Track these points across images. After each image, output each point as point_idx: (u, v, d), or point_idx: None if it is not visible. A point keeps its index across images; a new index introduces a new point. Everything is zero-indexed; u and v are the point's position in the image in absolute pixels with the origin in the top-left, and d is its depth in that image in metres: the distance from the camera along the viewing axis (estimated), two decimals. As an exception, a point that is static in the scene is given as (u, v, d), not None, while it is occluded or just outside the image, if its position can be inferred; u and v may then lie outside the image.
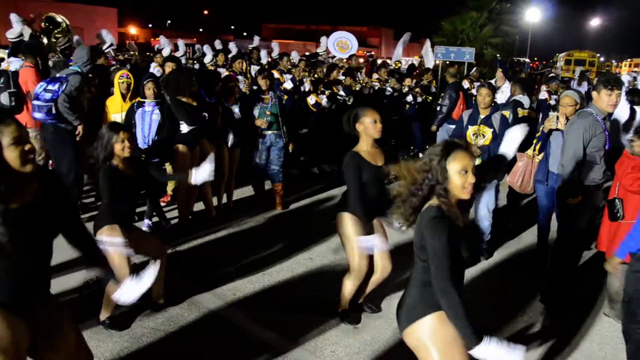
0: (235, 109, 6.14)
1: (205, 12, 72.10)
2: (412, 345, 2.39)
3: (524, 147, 5.46)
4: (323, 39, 13.20)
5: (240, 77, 8.45)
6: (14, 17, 8.09)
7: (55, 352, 2.36)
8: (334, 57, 12.75)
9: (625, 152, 4.09)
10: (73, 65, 5.96)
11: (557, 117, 4.77)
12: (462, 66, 13.88)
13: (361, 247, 3.64)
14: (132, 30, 46.52)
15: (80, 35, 12.79)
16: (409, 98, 9.41)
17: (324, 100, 7.93)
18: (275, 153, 6.40)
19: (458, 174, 2.28)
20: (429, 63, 14.49)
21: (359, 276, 3.80)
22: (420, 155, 2.39)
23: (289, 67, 9.88)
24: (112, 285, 3.49)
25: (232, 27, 66.64)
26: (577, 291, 4.45)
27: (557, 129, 4.76)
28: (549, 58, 48.18)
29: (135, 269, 3.22)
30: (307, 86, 8.00)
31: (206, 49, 11.68)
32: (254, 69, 9.85)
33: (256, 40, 13.14)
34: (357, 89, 8.85)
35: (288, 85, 8.08)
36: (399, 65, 13.42)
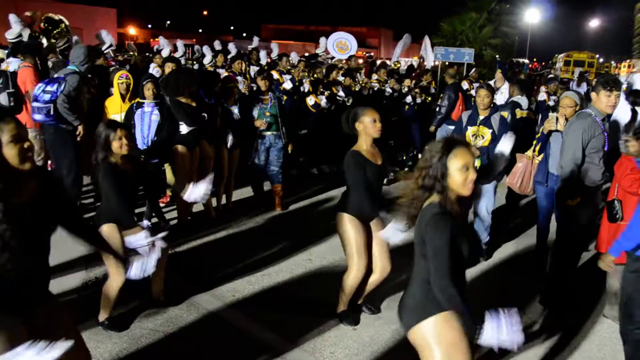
0: (235, 110, 6.14)
1: (205, 12, 72.24)
2: (416, 343, 2.39)
3: (523, 148, 5.47)
4: (322, 40, 13.22)
5: (239, 78, 8.46)
6: (12, 18, 8.09)
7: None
8: (333, 57, 12.76)
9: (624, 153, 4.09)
10: (71, 65, 5.94)
11: (557, 118, 4.76)
12: (462, 67, 13.88)
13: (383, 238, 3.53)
14: (132, 30, 46.52)
15: (80, 35, 12.79)
16: (408, 99, 9.41)
17: (323, 101, 7.93)
18: (274, 154, 6.39)
19: (459, 171, 2.28)
20: (429, 60, 14.47)
21: (357, 276, 3.80)
22: (420, 156, 2.40)
23: (288, 67, 9.89)
24: (108, 287, 3.53)
25: (232, 27, 66.66)
26: (576, 292, 4.45)
27: (556, 130, 4.76)
28: (548, 59, 48.25)
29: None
30: (306, 87, 8.00)
31: (205, 49, 11.70)
32: (253, 69, 9.86)
33: (255, 41, 13.16)
34: (356, 89, 8.85)
35: (287, 85, 8.09)
36: (398, 65, 13.44)
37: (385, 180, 3.92)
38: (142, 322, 3.87)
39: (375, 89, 9.51)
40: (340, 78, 8.79)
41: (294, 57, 12.46)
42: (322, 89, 8.14)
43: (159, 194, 6.02)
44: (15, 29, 8.04)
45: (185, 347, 3.64)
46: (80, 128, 5.72)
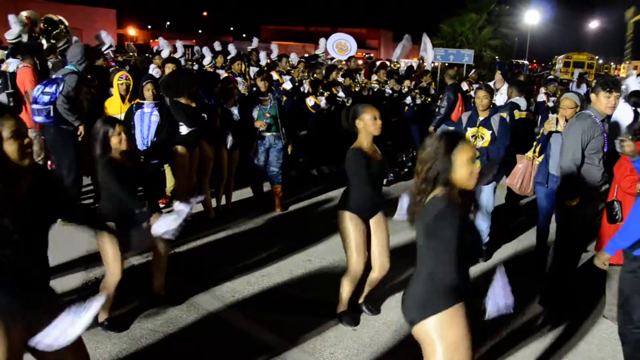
0: (234, 111, 6.14)
1: (204, 13, 72.28)
2: (419, 338, 2.39)
3: (522, 149, 5.48)
4: (322, 41, 13.23)
5: (239, 79, 8.47)
6: (12, 18, 8.09)
7: (54, 351, 2.36)
8: (332, 58, 12.77)
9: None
10: (69, 64, 5.91)
11: (557, 119, 4.77)
12: (461, 68, 13.88)
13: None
14: (131, 31, 46.54)
15: (80, 36, 12.78)
16: (408, 100, 9.42)
17: (322, 102, 7.93)
18: (274, 154, 6.39)
19: (466, 164, 2.30)
20: (429, 58, 14.45)
21: (356, 274, 3.81)
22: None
23: (288, 68, 9.90)
24: (105, 284, 3.55)
25: (231, 28, 66.63)
26: (576, 293, 4.45)
27: (557, 131, 4.77)
28: (547, 60, 48.26)
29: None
30: (306, 87, 8.00)
31: (205, 50, 11.71)
32: (253, 70, 9.88)
33: (255, 41, 13.17)
34: (356, 90, 8.86)
35: (287, 85, 8.09)
36: (398, 66, 13.44)
37: (384, 181, 3.93)
38: (141, 322, 3.86)
39: (375, 89, 9.52)
40: (340, 79, 8.80)
41: (293, 58, 12.48)
42: (321, 90, 8.15)
43: (158, 194, 6.03)
44: (15, 30, 8.04)
45: (185, 347, 3.64)
46: (81, 128, 5.70)
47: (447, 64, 14.63)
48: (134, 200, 3.67)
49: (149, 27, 55.89)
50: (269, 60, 11.47)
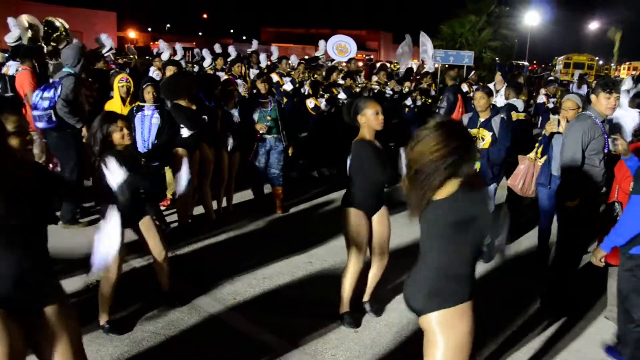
0: (235, 113, 6.14)
1: (204, 15, 72.32)
2: (424, 327, 2.36)
3: (520, 150, 5.48)
4: (322, 43, 13.26)
5: (239, 81, 8.48)
6: (11, 21, 8.09)
7: (54, 350, 2.36)
8: (333, 60, 12.79)
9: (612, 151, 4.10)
10: (64, 67, 5.84)
11: (559, 121, 4.77)
12: (461, 70, 13.90)
13: None
14: (132, 34, 46.54)
15: (80, 39, 12.79)
16: (409, 101, 9.43)
17: (323, 104, 7.94)
18: (274, 157, 6.40)
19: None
20: (428, 55, 14.44)
21: (356, 271, 3.83)
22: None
23: (288, 70, 9.92)
24: (102, 285, 3.51)
25: (231, 30, 66.66)
26: (577, 293, 4.45)
27: (558, 132, 4.77)
28: (547, 61, 48.27)
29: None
30: (306, 89, 8.01)
31: (205, 52, 11.73)
32: (253, 72, 9.90)
33: (255, 44, 13.18)
34: (357, 91, 8.87)
35: (288, 86, 8.10)
36: (398, 67, 13.46)
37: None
38: (143, 325, 3.86)
39: (376, 91, 9.53)
40: (341, 81, 8.82)
41: (293, 60, 12.50)
42: (322, 92, 8.16)
43: (159, 197, 6.02)
44: (15, 33, 8.04)
45: (186, 349, 3.63)
46: (84, 130, 5.68)
47: (447, 66, 14.65)
48: (143, 180, 3.53)
49: (149, 29, 55.92)
50: (269, 62, 11.48)
